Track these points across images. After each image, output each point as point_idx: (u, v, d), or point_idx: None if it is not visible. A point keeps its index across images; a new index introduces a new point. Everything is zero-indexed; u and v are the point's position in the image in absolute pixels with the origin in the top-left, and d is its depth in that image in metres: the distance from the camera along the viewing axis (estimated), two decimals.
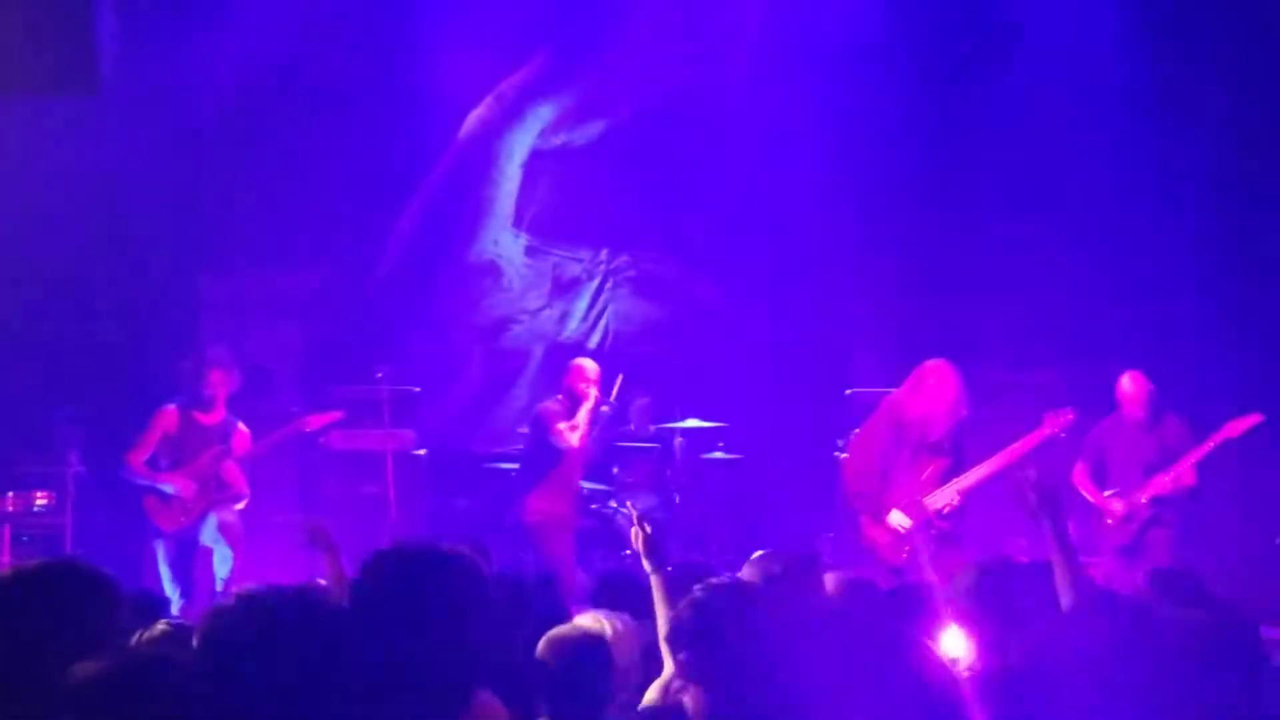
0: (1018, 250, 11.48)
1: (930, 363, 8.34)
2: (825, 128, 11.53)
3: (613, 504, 10.11)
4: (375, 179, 11.81)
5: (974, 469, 8.19)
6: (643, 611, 4.78)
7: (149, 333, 10.72)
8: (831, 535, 10.06)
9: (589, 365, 9.23)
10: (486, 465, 10.89)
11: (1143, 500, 8.83)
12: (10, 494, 9.17)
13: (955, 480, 8.15)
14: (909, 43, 11.39)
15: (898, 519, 8.11)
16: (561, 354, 11.91)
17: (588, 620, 4.30)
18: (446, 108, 11.89)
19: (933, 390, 8.19)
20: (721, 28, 11.98)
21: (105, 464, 9.75)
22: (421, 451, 10.46)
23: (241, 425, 8.99)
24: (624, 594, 5.17)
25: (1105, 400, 9.30)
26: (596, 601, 5.27)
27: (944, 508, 8.13)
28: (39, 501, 9.27)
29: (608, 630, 4.19)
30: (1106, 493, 9.01)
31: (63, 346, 10.08)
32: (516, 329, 12.13)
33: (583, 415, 9.01)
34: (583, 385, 9.07)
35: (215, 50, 11.37)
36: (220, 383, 8.82)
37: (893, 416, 8.32)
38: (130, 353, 10.47)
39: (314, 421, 9.41)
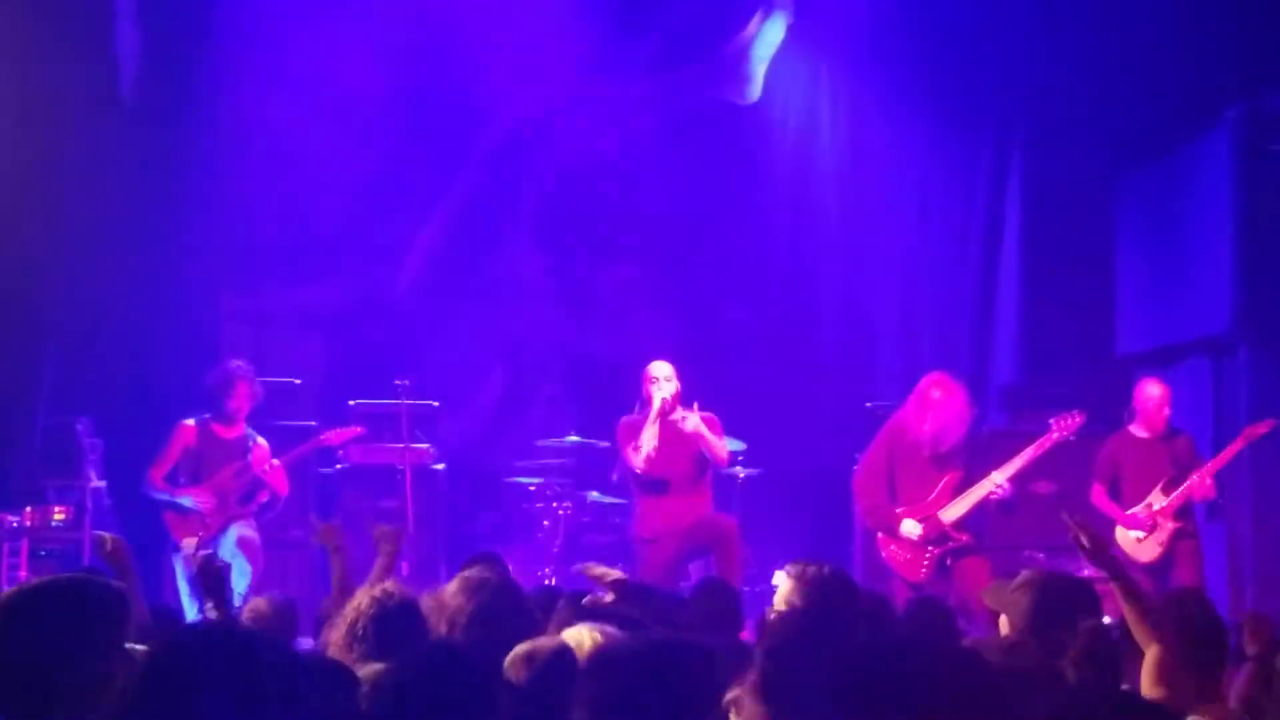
0: (1038, 257, 11.51)
1: (931, 376, 8.45)
2: (844, 139, 11.54)
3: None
4: (395, 193, 11.82)
5: (988, 478, 8.22)
6: (645, 621, 4.77)
7: (170, 348, 10.73)
8: (849, 549, 10.05)
9: (655, 365, 8.85)
10: (505, 479, 10.87)
11: (1170, 512, 8.78)
12: (28, 509, 9.17)
13: (970, 491, 8.18)
14: (917, 47, 11.39)
15: (909, 528, 8.15)
16: (581, 368, 11.91)
17: (572, 634, 4.24)
18: (467, 122, 11.89)
19: (940, 403, 8.26)
20: (741, 40, 11.98)
21: (124, 479, 9.77)
22: (440, 466, 10.44)
23: (260, 439, 9.02)
24: (638, 607, 5.15)
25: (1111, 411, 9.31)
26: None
27: (987, 500, 8.20)
28: (57, 516, 9.27)
29: (586, 643, 4.13)
30: (1137, 508, 8.94)
31: (82, 361, 10.10)
32: (536, 343, 12.11)
33: (646, 434, 8.60)
34: (650, 386, 8.71)
35: (236, 64, 11.42)
36: (247, 395, 8.85)
37: (901, 434, 8.38)
38: (151, 368, 10.48)
39: (335, 437, 9.46)
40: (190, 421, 8.89)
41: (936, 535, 8.18)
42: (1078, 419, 8.44)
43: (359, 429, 9.67)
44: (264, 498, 8.91)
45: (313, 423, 10.34)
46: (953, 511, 8.20)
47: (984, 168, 11.69)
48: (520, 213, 12.07)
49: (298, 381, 10.80)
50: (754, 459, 10.42)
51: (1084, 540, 4.79)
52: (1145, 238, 11.21)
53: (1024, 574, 4.62)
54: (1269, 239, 9.88)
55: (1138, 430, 9.06)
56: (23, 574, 8.90)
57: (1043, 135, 11.36)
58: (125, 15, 8.85)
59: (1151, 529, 8.79)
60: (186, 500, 8.70)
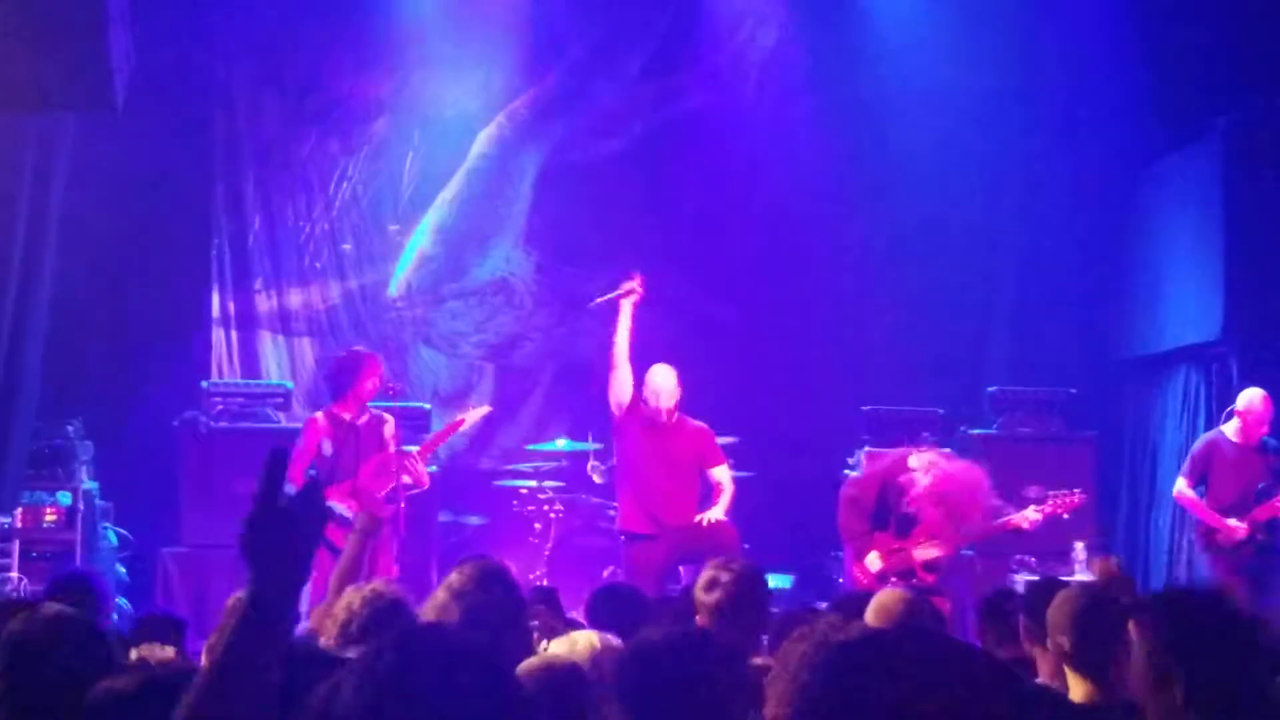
0: (1032, 264, 11.54)
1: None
2: (839, 144, 11.55)
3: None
4: (387, 197, 11.85)
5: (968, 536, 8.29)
6: (631, 627, 4.78)
7: (160, 350, 10.76)
8: (839, 555, 10.05)
9: (654, 373, 8.63)
10: (496, 483, 10.89)
11: (1260, 522, 8.78)
12: (19, 510, 9.15)
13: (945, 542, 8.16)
14: (921, 47, 11.42)
15: (871, 560, 8.18)
16: (573, 372, 11.93)
17: (563, 646, 4.22)
18: (459, 125, 11.92)
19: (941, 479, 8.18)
20: (734, 46, 12.01)
21: (114, 481, 9.77)
22: (432, 468, 10.44)
23: (388, 416, 8.62)
24: (618, 609, 5.17)
25: (1107, 418, 9.27)
26: (592, 617, 5.26)
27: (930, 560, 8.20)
28: (48, 518, 9.26)
29: (582, 646, 4.11)
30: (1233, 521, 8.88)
31: (73, 362, 10.10)
32: (528, 347, 12.13)
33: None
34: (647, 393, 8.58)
35: (228, 67, 11.45)
36: (378, 374, 8.47)
37: (892, 483, 8.34)
38: (141, 370, 10.50)
39: (469, 419, 9.24)
40: (318, 415, 8.56)
41: (903, 570, 8.15)
42: (1075, 499, 8.37)
43: (488, 407, 9.48)
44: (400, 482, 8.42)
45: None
46: (926, 552, 8.19)
47: (979, 172, 11.70)
48: (511, 216, 12.09)
49: (289, 385, 10.84)
50: (747, 462, 10.44)
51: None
52: (1138, 245, 11.24)
53: (1063, 591, 4.46)
54: (1259, 246, 9.91)
55: (1233, 435, 9.00)
56: (14, 575, 8.92)
57: (1039, 142, 11.38)
58: (118, 19, 8.83)
59: (1247, 537, 8.77)
60: (338, 507, 8.14)
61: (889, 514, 8.28)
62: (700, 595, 4.76)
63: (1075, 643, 4.18)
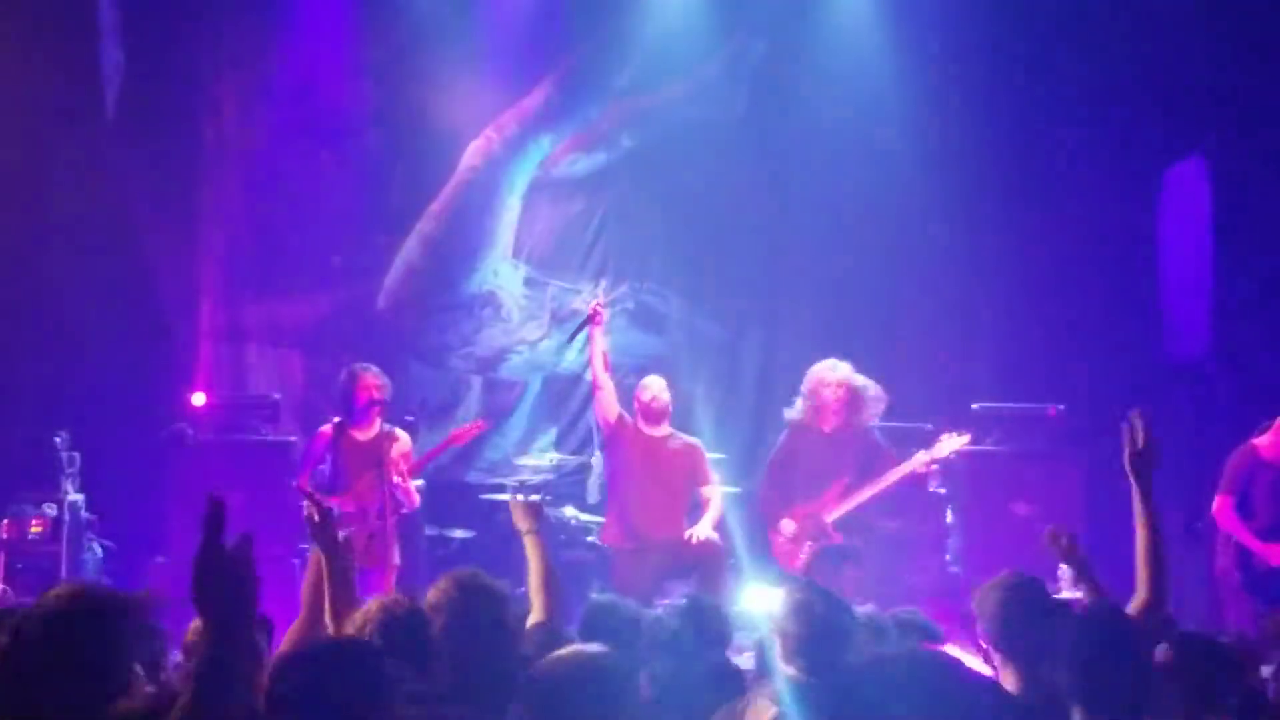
0: (1020, 280, 11.56)
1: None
2: (828, 160, 11.57)
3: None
4: (376, 209, 11.85)
5: (868, 486, 8.70)
6: (626, 643, 4.78)
7: (149, 361, 10.74)
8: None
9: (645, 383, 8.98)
10: (483, 496, 10.87)
11: None
12: (4, 521, 9.13)
13: (851, 496, 8.66)
14: (912, 65, 11.45)
15: (785, 526, 8.69)
16: (559, 384, 11.93)
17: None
18: (448, 138, 11.92)
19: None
20: (724, 58, 12.03)
21: (101, 492, 9.73)
22: (419, 481, 10.42)
23: (400, 432, 8.81)
24: (608, 625, 5.16)
25: (1094, 435, 9.25)
26: (585, 632, 5.25)
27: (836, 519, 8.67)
28: (33, 529, 9.22)
29: None
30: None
31: (61, 373, 10.08)
32: (515, 359, 12.12)
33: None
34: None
35: (218, 78, 11.45)
36: (374, 387, 8.59)
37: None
38: (130, 381, 10.47)
39: (464, 435, 9.40)
40: (326, 427, 8.77)
41: (815, 532, 8.59)
42: (964, 439, 8.79)
43: (483, 423, 9.74)
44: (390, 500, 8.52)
45: (292, 438, 10.33)
46: (836, 512, 8.65)
47: (967, 189, 11.70)
48: (499, 229, 12.08)
49: (277, 396, 10.80)
50: (734, 476, 10.44)
51: (1062, 540, 4.87)
52: (1126, 262, 11.27)
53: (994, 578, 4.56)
54: (1247, 264, 9.95)
55: (1266, 450, 8.63)
56: None
57: (1026, 159, 11.41)
58: (109, 33, 8.86)
59: None
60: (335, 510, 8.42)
61: (797, 481, 8.78)
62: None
63: (997, 632, 4.34)
